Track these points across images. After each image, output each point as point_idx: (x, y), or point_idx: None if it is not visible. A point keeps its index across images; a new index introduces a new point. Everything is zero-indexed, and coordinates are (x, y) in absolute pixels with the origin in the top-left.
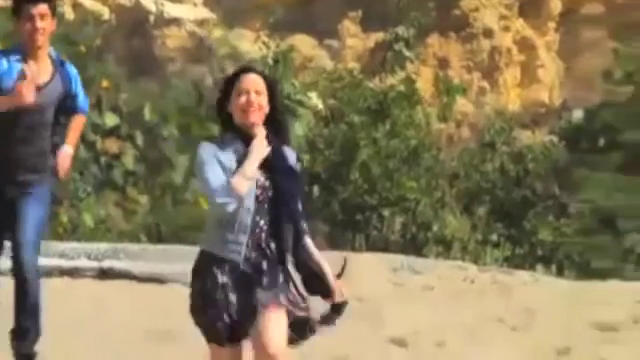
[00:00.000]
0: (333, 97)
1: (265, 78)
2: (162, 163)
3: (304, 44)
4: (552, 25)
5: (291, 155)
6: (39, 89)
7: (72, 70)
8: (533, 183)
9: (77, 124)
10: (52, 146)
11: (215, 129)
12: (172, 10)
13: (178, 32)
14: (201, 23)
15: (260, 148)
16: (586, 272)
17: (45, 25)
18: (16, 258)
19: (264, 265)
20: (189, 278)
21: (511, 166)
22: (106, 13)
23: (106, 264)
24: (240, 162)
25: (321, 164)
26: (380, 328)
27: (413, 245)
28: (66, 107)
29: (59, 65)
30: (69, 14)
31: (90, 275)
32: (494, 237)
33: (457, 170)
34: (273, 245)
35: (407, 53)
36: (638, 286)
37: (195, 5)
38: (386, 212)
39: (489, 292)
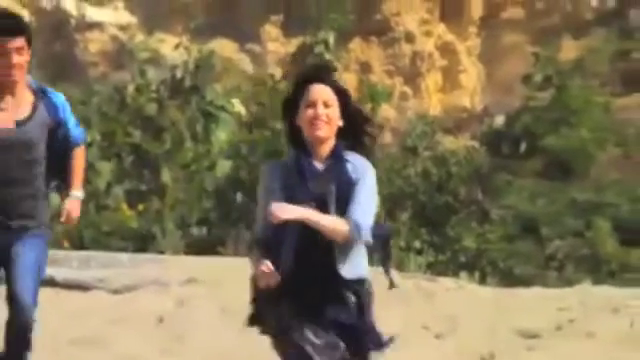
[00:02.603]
0: (255, 103)
1: (336, 88)
2: (85, 169)
3: (225, 48)
4: (473, 30)
5: (355, 168)
6: (20, 125)
7: (57, 98)
8: (456, 188)
9: (78, 161)
10: (49, 188)
11: (137, 135)
12: (93, 14)
13: (100, 36)
14: (123, 27)
15: (310, 216)
16: (509, 279)
17: (22, 60)
18: (15, 305)
19: (317, 288)
20: (112, 284)
21: (434, 170)
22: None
23: None
24: (286, 186)
25: (245, 170)
26: None
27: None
28: (59, 140)
29: (41, 94)
30: None
31: None
32: (417, 244)
33: (379, 175)
34: (326, 262)
35: (328, 56)
36: (560, 293)
37: (116, 9)
38: None
39: (413, 299)
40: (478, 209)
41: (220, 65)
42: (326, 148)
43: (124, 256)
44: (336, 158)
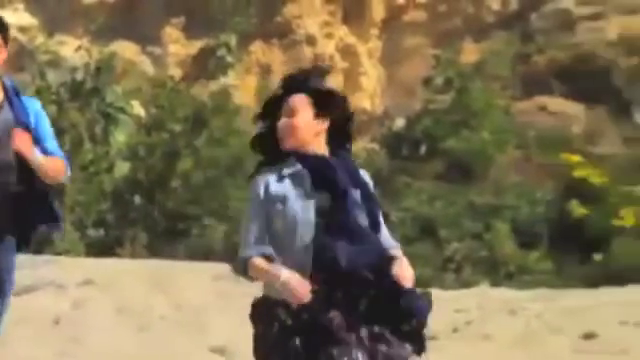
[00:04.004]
0: (155, 105)
1: (309, 90)
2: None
3: (126, 50)
4: (375, 32)
5: (363, 173)
6: None
7: (32, 104)
8: None
9: (53, 159)
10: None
11: None
12: None
13: None
14: (23, 29)
15: (294, 294)
16: None
17: None
18: None
19: (339, 297)
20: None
21: None
22: None
23: None
24: (302, 188)
25: (142, 172)
26: (201, 337)
27: (236, 254)
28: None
29: (13, 95)
30: None
31: None
32: None
33: None
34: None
35: (229, 59)
36: (458, 295)
37: (16, 10)
38: (208, 221)
39: None
40: None
41: (121, 67)
42: (312, 152)
43: (21, 257)
44: (339, 158)
